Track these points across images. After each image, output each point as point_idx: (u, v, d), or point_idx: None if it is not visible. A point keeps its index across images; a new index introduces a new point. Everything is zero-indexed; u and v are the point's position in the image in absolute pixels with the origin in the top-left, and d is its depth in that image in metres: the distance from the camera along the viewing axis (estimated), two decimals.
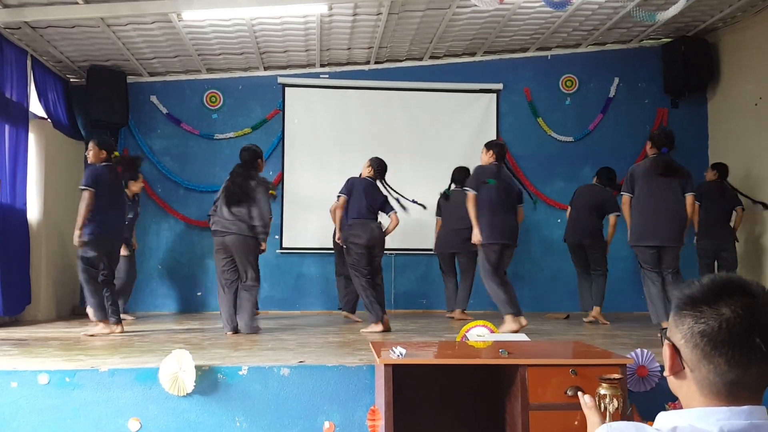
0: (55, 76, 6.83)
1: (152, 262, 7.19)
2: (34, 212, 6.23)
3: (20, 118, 5.98)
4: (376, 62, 7.51)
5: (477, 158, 7.34)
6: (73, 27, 5.97)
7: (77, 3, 5.34)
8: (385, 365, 2.65)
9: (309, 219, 7.33)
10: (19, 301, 5.83)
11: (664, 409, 1.14)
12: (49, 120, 6.53)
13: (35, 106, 6.39)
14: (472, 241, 5.05)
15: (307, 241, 7.35)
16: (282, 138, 7.41)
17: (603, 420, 1.53)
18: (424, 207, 6.10)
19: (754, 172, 6.85)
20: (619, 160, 7.17)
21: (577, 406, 1.72)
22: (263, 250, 5.07)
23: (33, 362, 3.42)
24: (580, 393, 1.57)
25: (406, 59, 7.58)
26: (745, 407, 1.05)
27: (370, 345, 3.21)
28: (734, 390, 1.06)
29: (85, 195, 4.76)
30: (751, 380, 1.05)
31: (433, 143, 7.47)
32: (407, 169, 7.38)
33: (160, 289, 7.20)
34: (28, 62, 6.23)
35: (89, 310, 5.02)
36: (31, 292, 6.02)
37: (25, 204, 6.00)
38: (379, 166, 5.40)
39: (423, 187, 7.18)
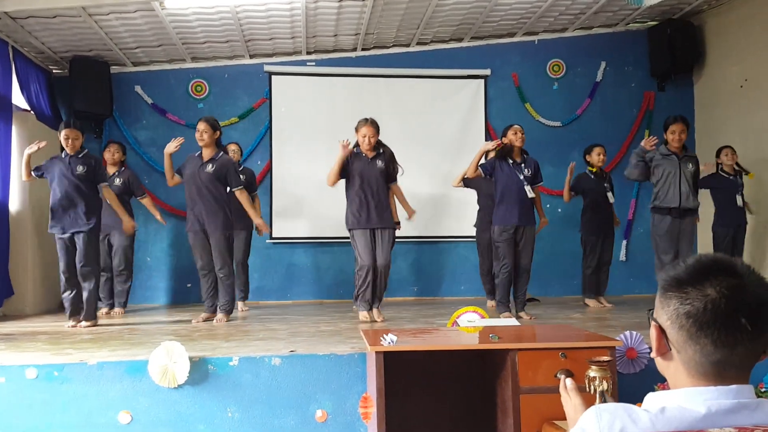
0: (37, 67, 6.72)
1: (140, 254, 7.13)
2: (17, 205, 6.16)
3: (3, 109, 5.90)
4: (363, 49, 7.45)
5: (465, 143, 7.39)
6: (54, 17, 5.87)
7: None
8: (377, 353, 2.65)
9: (299, 208, 7.30)
10: None
11: (654, 391, 1.14)
12: (32, 112, 6.44)
13: (17, 98, 6.29)
14: None
15: (297, 231, 7.32)
16: (269, 127, 7.36)
17: (591, 402, 1.53)
18: None
19: (739, 154, 6.88)
20: (607, 144, 7.16)
21: None
22: None
23: (21, 357, 3.39)
24: (562, 377, 1.57)
25: (393, 45, 7.53)
26: (732, 386, 1.05)
27: (362, 333, 3.21)
28: (720, 370, 1.06)
29: None
30: (737, 360, 1.06)
31: (421, 129, 7.45)
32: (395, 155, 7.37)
33: (149, 281, 7.16)
34: (10, 53, 6.13)
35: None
36: (11, 284, 5.95)
37: (7, 196, 5.92)
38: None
39: (411, 174, 7.18)
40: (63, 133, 4.91)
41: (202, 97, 7.35)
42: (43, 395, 3.09)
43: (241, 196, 5.13)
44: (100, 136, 7.13)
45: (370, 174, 4.95)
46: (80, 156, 4.94)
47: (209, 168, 5.00)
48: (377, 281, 4.92)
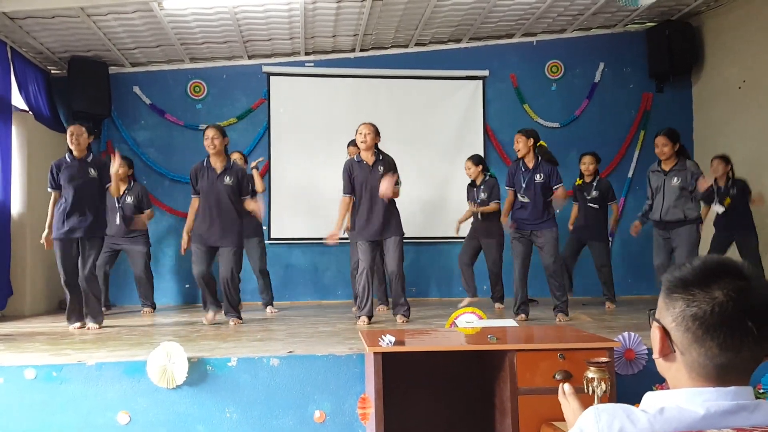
0: (35, 67, 6.71)
1: None
2: (17, 206, 6.15)
3: (3, 110, 5.89)
4: (361, 50, 7.46)
5: (464, 144, 7.39)
6: (53, 17, 5.87)
7: None
8: (375, 353, 2.66)
9: (297, 209, 7.30)
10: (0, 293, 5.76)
11: (652, 391, 1.14)
12: (30, 112, 6.43)
13: (16, 99, 6.28)
14: None
15: (295, 232, 7.32)
16: (268, 128, 7.36)
17: (590, 403, 1.53)
18: None
19: (738, 155, 6.89)
20: (605, 145, 7.22)
21: None
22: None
23: (19, 357, 3.39)
24: (561, 382, 1.57)
25: (392, 46, 7.54)
26: (731, 388, 1.05)
27: (360, 334, 3.22)
28: (723, 372, 1.06)
29: None
30: (740, 363, 1.05)
31: (419, 130, 7.45)
32: (394, 156, 7.37)
33: None
34: (8, 54, 6.12)
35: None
36: (11, 284, 5.94)
37: (8, 197, 5.91)
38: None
39: (410, 175, 7.19)
40: (68, 130, 4.91)
41: (200, 97, 7.35)
42: (41, 396, 3.08)
43: (249, 204, 5.08)
44: (98, 137, 7.13)
45: (372, 182, 4.94)
46: (89, 160, 4.93)
47: (228, 180, 4.94)
48: (384, 285, 4.92)
